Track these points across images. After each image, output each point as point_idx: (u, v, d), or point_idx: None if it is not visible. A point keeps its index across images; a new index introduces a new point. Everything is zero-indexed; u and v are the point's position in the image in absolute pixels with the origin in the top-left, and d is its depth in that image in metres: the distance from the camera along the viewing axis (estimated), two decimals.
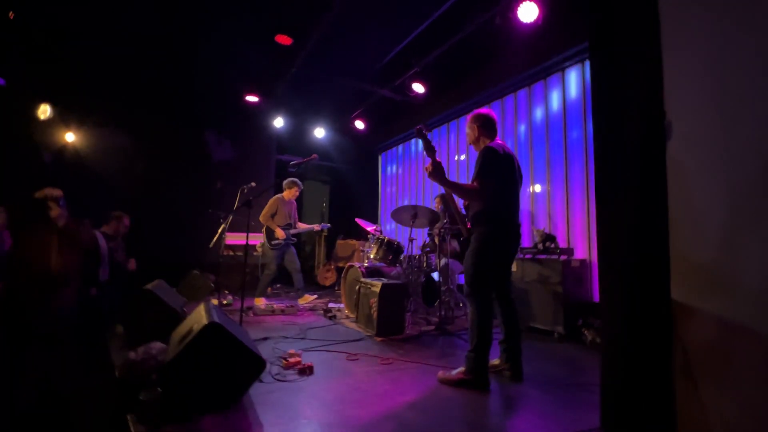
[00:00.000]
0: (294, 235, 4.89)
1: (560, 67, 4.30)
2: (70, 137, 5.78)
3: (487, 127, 2.52)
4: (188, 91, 6.22)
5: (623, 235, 1.72)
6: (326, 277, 7.12)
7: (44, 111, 5.24)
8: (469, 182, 2.36)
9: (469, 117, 2.59)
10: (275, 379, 2.26)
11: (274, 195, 4.96)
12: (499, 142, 2.47)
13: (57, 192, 2.76)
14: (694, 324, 1.33)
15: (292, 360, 2.49)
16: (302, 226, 5.01)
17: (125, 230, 4.40)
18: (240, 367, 1.92)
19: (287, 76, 5.52)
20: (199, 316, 2.09)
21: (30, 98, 5.26)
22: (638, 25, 1.71)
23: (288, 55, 5.04)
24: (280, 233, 4.65)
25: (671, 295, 1.45)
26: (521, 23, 3.81)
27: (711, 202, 1.30)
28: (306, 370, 2.37)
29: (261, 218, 4.76)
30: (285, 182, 4.86)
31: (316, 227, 5.02)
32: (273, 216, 4.75)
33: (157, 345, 2.17)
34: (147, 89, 6.02)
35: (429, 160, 2.31)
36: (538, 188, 4.59)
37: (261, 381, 2.18)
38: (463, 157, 5.92)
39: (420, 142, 2.40)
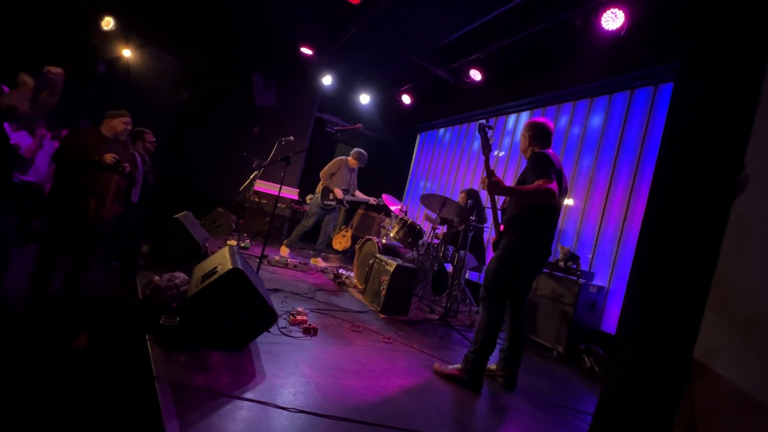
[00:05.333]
0: (348, 202, 5.05)
1: (630, 85, 4.06)
2: (126, 53, 5.90)
3: (539, 136, 2.44)
4: (245, 31, 6.19)
5: (661, 275, 1.66)
6: (340, 242, 7.25)
7: (108, 23, 5.33)
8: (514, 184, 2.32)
9: (525, 124, 2.53)
10: (281, 332, 2.37)
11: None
12: (551, 151, 2.40)
13: (129, 118, 2.98)
14: (711, 387, 1.31)
15: (299, 317, 2.59)
16: (360, 195, 5.13)
17: (152, 148, 4.16)
18: (253, 315, 2.02)
19: (346, 36, 5.40)
20: (223, 259, 2.18)
21: (98, 7, 5.35)
22: (741, 62, 1.58)
23: (352, 14, 4.91)
24: (339, 193, 4.84)
25: (693, 353, 1.42)
26: (602, 30, 3.58)
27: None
28: (311, 331, 2.47)
29: (321, 174, 4.95)
30: (354, 151, 5.05)
31: (372, 200, 5.11)
32: (332, 175, 4.89)
33: (181, 275, 2.29)
34: (206, 22, 6.03)
35: (483, 166, 2.28)
36: (572, 202, 4.46)
37: (269, 331, 2.28)
38: (502, 153, 5.77)
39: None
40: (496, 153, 5.85)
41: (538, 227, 2.28)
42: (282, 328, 2.43)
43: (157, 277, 2.28)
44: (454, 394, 2.14)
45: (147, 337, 1.84)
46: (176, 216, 3.48)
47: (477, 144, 6.11)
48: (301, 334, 2.42)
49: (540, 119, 2.52)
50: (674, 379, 1.49)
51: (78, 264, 2.84)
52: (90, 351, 2.28)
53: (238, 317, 1.99)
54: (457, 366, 2.31)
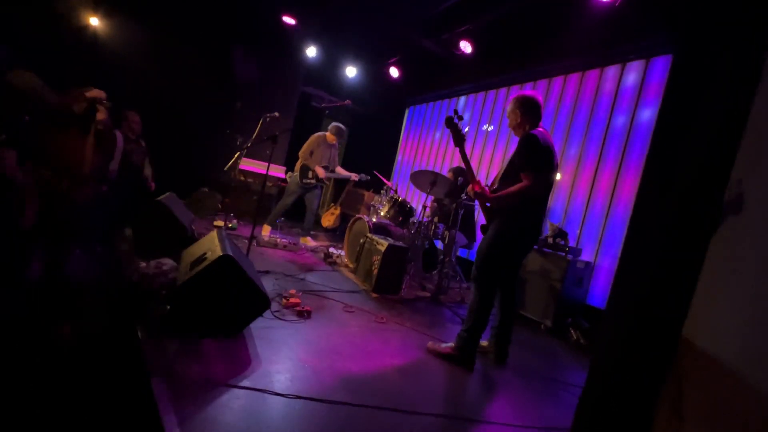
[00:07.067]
0: (329, 179, 4.90)
1: (623, 59, 3.99)
2: (94, 21, 5.50)
3: (530, 112, 2.39)
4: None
5: (653, 252, 1.67)
6: (329, 219, 7.19)
7: None
8: (502, 170, 2.30)
9: (511, 99, 2.45)
10: (275, 316, 2.35)
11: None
12: (541, 129, 2.36)
13: (102, 93, 2.73)
14: (698, 364, 1.35)
15: (292, 300, 2.58)
16: (341, 172, 4.98)
17: (139, 128, 4.25)
18: (246, 302, 1.99)
19: (331, 4, 5.14)
20: (212, 244, 2.12)
21: None
22: (740, 42, 1.55)
23: None
24: (320, 172, 4.68)
25: (682, 330, 1.46)
26: (595, 1, 3.48)
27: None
28: (304, 314, 2.46)
29: (300, 154, 4.78)
30: (332, 126, 4.84)
31: (354, 176, 4.98)
32: (311, 154, 4.74)
33: (169, 262, 2.22)
34: None
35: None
36: (560, 177, 4.47)
37: (262, 315, 2.26)
38: (491, 128, 5.70)
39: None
40: (485, 128, 5.78)
41: (529, 207, 2.28)
42: (275, 311, 2.41)
43: (144, 264, 2.21)
44: (447, 372, 2.18)
45: (137, 326, 1.80)
46: (159, 198, 3.36)
47: (467, 118, 6.01)
48: (294, 318, 2.42)
49: (529, 92, 2.46)
50: (662, 355, 1.53)
51: (56, 249, 2.73)
52: (77, 343, 2.23)
53: (230, 304, 1.95)
54: (450, 344, 2.35)
